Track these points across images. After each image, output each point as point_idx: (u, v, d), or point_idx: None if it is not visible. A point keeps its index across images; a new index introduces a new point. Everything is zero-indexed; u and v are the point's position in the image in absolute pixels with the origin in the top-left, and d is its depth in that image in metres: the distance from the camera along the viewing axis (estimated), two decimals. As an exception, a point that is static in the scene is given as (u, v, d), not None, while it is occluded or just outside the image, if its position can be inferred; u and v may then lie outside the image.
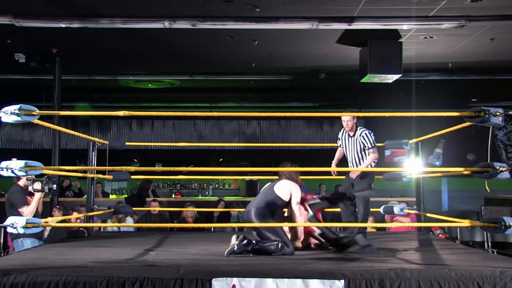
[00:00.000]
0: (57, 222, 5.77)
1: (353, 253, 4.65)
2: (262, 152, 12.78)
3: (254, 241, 4.50)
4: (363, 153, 5.47)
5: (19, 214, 5.16)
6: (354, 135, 5.48)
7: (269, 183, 5.04)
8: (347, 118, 5.39)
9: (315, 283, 3.46)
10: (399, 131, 9.12)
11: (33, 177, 4.69)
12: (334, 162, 5.80)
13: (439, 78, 9.94)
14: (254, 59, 9.01)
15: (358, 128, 5.46)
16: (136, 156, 13.53)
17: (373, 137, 5.39)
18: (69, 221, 6.37)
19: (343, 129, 5.64)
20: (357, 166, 5.50)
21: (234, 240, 4.69)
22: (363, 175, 5.37)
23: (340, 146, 5.81)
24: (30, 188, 5.05)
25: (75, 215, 6.63)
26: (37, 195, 5.31)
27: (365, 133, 5.37)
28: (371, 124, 6.40)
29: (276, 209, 4.82)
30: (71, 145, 12.17)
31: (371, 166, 5.47)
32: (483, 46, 8.01)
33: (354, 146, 5.48)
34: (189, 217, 7.93)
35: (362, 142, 5.38)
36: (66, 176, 10.14)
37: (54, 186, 5.17)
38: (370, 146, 5.32)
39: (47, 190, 5.09)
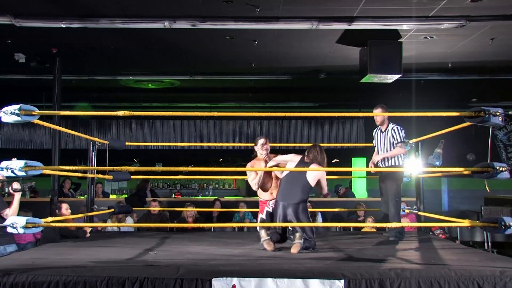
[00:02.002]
0: (56, 222, 5.74)
1: (353, 253, 4.64)
2: (262, 152, 12.72)
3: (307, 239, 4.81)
4: (393, 147, 5.65)
5: (1, 218, 4.91)
6: (386, 130, 5.67)
7: (294, 163, 5.11)
8: (377, 112, 5.63)
9: (315, 283, 3.46)
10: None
11: (4, 178, 4.58)
12: (370, 163, 5.94)
13: (439, 78, 9.93)
14: (254, 59, 9.00)
15: (390, 123, 5.66)
16: (136, 156, 13.51)
17: (403, 134, 5.63)
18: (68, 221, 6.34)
19: (377, 127, 5.84)
20: (388, 160, 5.68)
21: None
22: (392, 174, 5.57)
23: (375, 146, 5.95)
24: (9, 189, 4.93)
25: (66, 208, 6.37)
26: (17, 195, 5.09)
27: (396, 128, 5.66)
28: (372, 124, 6.41)
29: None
30: (71, 145, 12.13)
31: (399, 162, 5.68)
32: (483, 46, 8.00)
33: (385, 141, 5.67)
34: (189, 217, 7.93)
35: (392, 135, 5.59)
36: (67, 176, 10.13)
37: (33, 183, 5.12)
38: (398, 140, 5.61)
39: (26, 189, 5.04)
